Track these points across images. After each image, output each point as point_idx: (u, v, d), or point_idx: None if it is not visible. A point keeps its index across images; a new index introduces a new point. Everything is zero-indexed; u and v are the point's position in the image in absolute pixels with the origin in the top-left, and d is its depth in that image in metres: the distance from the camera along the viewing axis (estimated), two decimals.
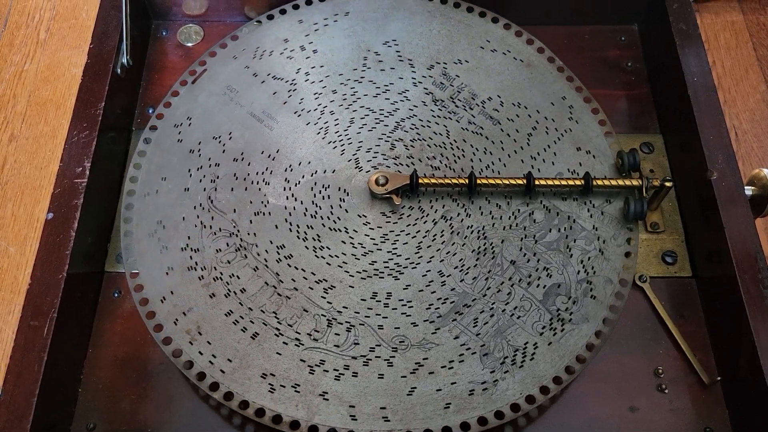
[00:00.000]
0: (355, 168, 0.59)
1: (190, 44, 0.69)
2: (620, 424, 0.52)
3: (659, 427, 0.52)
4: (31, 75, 1.01)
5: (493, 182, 0.56)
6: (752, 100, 0.99)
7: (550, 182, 0.56)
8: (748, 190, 0.56)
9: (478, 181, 0.56)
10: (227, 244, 0.56)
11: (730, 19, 1.06)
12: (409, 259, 0.55)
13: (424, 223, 0.57)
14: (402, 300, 0.53)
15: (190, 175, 0.59)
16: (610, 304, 0.53)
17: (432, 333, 0.52)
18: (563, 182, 0.56)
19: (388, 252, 0.56)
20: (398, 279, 0.54)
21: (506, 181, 0.56)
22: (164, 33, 0.70)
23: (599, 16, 0.69)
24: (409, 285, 0.54)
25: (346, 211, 0.57)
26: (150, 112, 0.65)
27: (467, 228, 0.56)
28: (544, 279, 0.54)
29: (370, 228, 0.57)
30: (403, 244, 0.56)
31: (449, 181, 0.56)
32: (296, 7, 0.66)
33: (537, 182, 0.56)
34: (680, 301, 0.56)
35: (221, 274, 0.55)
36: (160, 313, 0.53)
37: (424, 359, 0.51)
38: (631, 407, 0.52)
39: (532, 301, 0.53)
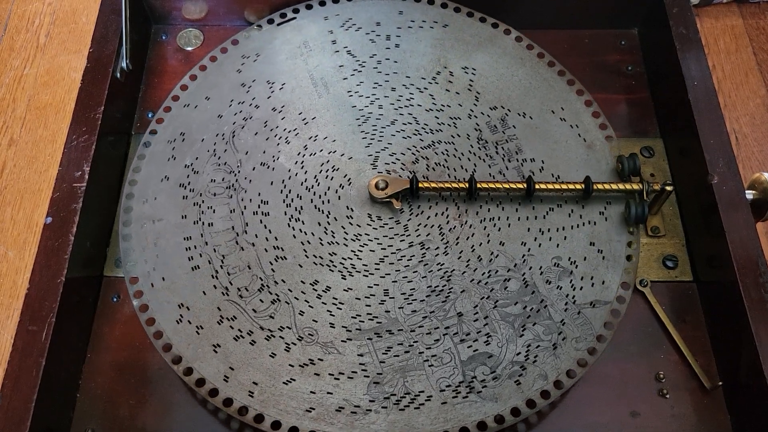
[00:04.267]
0: (371, 164, 0.59)
1: (189, 48, 0.69)
2: (621, 429, 0.51)
3: None
4: (31, 79, 1.01)
5: (494, 186, 0.56)
6: (752, 104, 0.99)
7: (550, 186, 0.56)
8: (749, 194, 0.56)
9: (479, 185, 0.56)
10: (223, 179, 0.58)
11: (729, 24, 1.06)
12: (366, 266, 0.55)
13: (401, 241, 0.56)
14: (336, 299, 0.53)
15: (230, 105, 0.61)
16: (540, 389, 0.50)
17: (342, 341, 0.52)
18: (564, 186, 0.56)
19: (351, 251, 0.56)
20: (345, 279, 0.54)
21: (507, 185, 0.56)
22: (164, 37, 0.70)
23: (599, 20, 0.69)
24: (351, 289, 0.54)
25: (339, 198, 0.58)
26: (150, 116, 0.64)
27: (437, 264, 0.55)
28: (480, 344, 0.51)
29: (350, 223, 0.57)
30: (370, 250, 0.56)
31: (450, 185, 0.56)
32: None
33: (537, 186, 0.56)
34: (681, 306, 0.56)
35: (202, 201, 0.57)
36: (135, 212, 0.56)
37: (319, 359, 0.51)
38: (632, 412, 0.52)
39: (454, 357, 0.51)
